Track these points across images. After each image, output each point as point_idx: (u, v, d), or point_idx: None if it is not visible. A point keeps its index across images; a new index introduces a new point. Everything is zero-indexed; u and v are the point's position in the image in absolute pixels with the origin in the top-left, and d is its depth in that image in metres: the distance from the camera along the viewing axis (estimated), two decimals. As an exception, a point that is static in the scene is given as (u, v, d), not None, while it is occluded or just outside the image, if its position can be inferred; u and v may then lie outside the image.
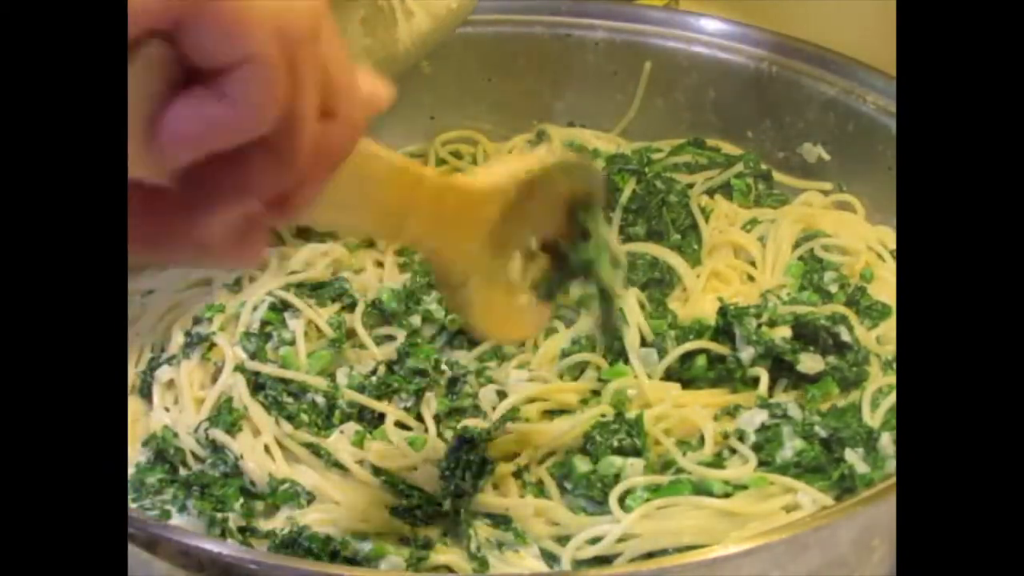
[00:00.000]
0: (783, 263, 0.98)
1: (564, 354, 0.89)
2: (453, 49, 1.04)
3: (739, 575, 0.69)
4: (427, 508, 0.79)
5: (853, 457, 0.81)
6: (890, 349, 0.90)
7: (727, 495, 0.79)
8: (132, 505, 0.82)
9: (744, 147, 1.09)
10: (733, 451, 0.82)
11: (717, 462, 0.82)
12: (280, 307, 0.90)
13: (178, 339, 0.90)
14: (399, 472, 0.82)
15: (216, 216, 0.52)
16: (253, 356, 0.87)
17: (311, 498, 0.81)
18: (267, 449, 0.83)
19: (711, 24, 1.10)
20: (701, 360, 0.88)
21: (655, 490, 0.79)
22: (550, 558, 0.78)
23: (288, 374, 0.86)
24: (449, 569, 0.78)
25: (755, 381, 0.87)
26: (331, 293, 0.92)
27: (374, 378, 0.87)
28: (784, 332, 0.88)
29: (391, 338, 0.90)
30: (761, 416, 0.83)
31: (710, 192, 1.04)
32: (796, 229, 1.00)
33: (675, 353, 0.88)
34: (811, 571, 0.71)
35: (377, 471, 0.82)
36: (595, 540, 0.77)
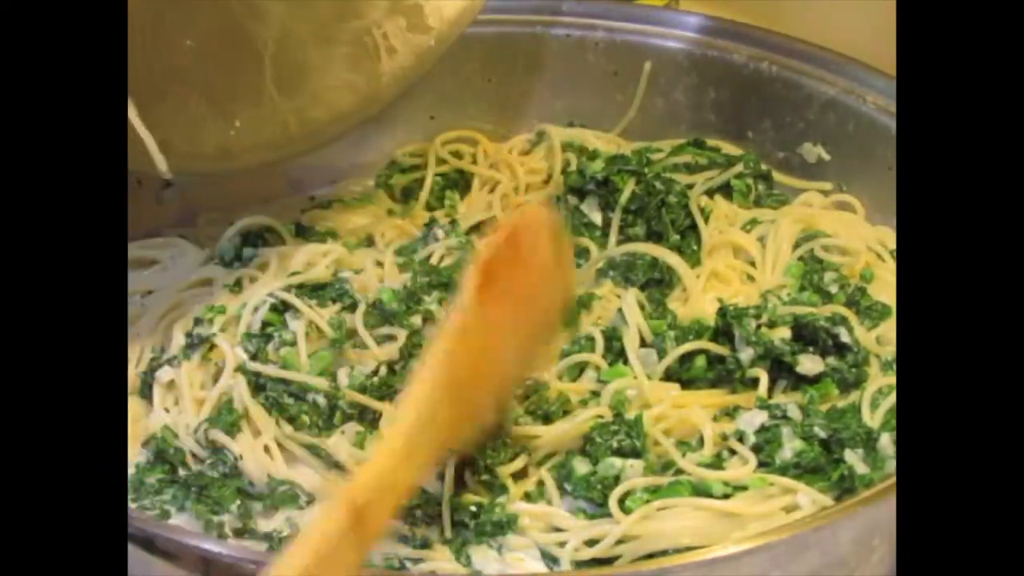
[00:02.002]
0: (783, 263, 0.98)
1: (564, 354, 0.89)
2: (453, 49, 1.04)
3: (739, 575, 0.69)
4: (427, 508, 0.80)
5: (853, 458, 0.81)
6: (890, 349, 0.90)
7: (727, 496, 0.79)
8: (132, 505, 0.82)
9: (744, 147, 1.09)
10: (732, 452, 0.82)
11: (717, 463, 0.82)
12: (281, 308, 0.90)
13: (179, 340, 0.90)
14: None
15: None
16: (254, 357, 0.87)
17: (311, 499, 0.81)
18: (267, 450, 0.83)
19: (711, 24, 1.10)
20: (700, 361, 0.88)
21: (655, 491, 0.79)
22: (550, 560, 0.78)
23: (289, 375, 0.86)
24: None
25: (754, 382, 0.87)
26: (332, 294, 0.92)
27: (376, 378, 0.87)
28: (784, 333, 0.88)
29: (392, 338, 0.90)
30: (761, 417, 0.83)
31: (710, 192, 1.04)
32: (796, 229, 1.00)
33: (674, 354, 0.88)
34: (811, 571, 0.71)
35: (377, 471, 0.82)
36: (595, 541, 0.77)
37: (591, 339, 0.90)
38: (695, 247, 0.99)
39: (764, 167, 1.07)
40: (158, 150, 0.81)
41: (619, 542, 0.77)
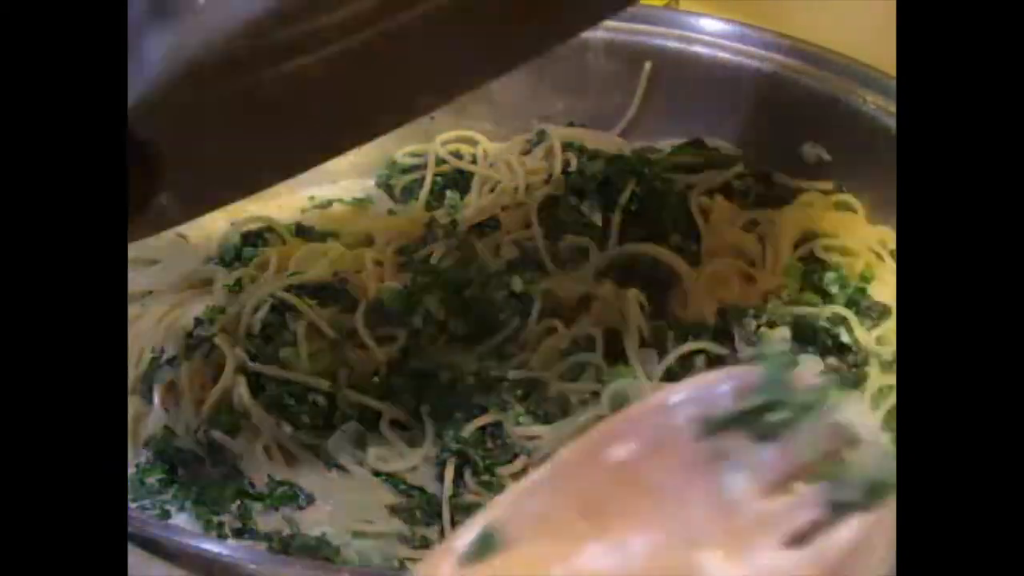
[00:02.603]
0: (783, 263, 0.98)
1: (564, 354, 0.89)
2: (453, 49, 1.04)
3: (739, 575, 0.69)
4: (427, 508, 0.80)
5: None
6: (890, 350, 0.90)
7: (727, 495, 0.79)
8: (132, 505, 0.82)
9: (744, 147, 1.09)
10: (733, 452, 0.82)
11: (717, 462, 0.81)
12: (281, 308, 0.90)
13: (179, 340, 0.90)
14: (399, 473, 0.82)
15: None
16: (254, 357, 0.87)
17: (310, 499, 0.81)
18: (266, 450, 0.83)
19: (711, 24, 1.10)
20: (700, 361, 0.88)
21: (655, 491, 0.79)
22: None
23: (289, 375, 0.86)
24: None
25: (755, 382, 0.87)
26: (332, 294, 0.92)
27: (376, 378, 0.87)
28: (783, 333, 0.88)
29: (392, 338, 0.90)
30: (761, 417, 0.83)
31: (710, 192, 1.04)
32: (796, 229, 1.00)
33: (675, 354, 0.88)
34: (811, 571, 0.70)
35: (377, 471, 0.82)
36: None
37: (591, 339, 0.90)
38: (695, 247, 0.99)
39: (764, 167, 1.07)
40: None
41: (619, 542, 0.77)
